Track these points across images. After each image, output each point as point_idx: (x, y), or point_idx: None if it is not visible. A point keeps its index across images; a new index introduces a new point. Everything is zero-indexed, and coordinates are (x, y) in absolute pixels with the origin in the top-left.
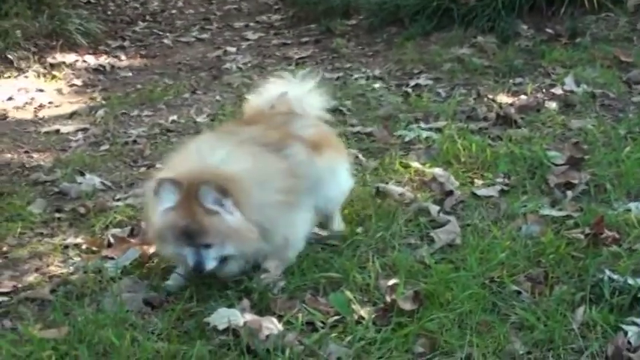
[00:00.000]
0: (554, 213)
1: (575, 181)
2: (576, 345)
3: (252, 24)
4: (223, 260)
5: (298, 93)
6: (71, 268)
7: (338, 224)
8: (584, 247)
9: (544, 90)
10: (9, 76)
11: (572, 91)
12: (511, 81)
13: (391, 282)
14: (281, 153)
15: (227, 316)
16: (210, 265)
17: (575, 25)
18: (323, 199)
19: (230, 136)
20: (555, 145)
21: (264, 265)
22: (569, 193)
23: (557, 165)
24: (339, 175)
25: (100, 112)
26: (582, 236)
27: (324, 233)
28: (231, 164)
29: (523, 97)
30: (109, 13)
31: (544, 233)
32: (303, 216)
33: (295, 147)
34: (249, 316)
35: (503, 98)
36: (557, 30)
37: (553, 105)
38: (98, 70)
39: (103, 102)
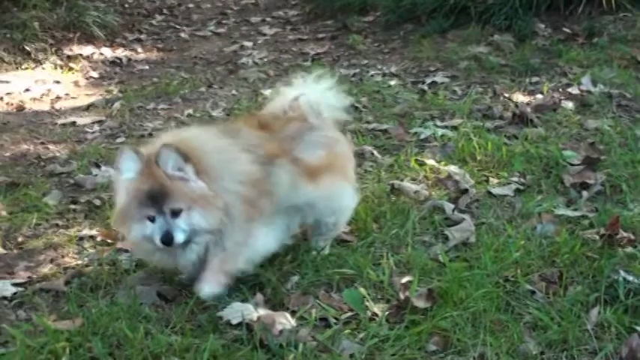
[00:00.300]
0: (570, 213)
1: (591, 182)
2: (590, 346)
3: (268, 19)
4: (192, 234)
5: (313, 97)
6: (86, 259)
7: (327, 245)
8: (599, 248)
9: (560, 89)
10: (26, 68)
11: (588, 91)
12: (527, 80)
13: (405, 279)
14: (265, 166)
15: (240, 311)
16: (179, 236)
17: (592, 24)
18: (317, 222)
19: (225, 133)
20: (571, 144)
21: (209, 261)
22: (585, 193)
23: (572, 165)
24: (337, 201)
25: (117, 105)
26: (597, 237)
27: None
28: (201, 140)
29: (539, 96)
30: (126, 5)
31: (559, 233)
32: (266, 232)
33: (281, 169)
34: (262, 311)
35: (520, 97)
36: (574, 29)
37: (569, 105)
38: (115, 62)
39: (120, 94)
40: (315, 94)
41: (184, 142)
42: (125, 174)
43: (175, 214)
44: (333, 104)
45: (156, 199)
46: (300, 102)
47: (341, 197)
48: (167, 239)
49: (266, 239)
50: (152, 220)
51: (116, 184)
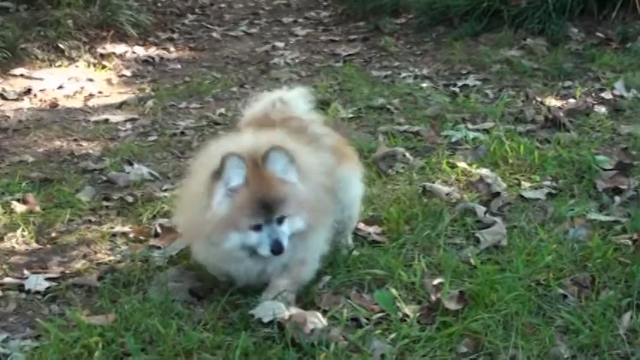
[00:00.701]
0: (602, 218)
1: (624, 187)
2: (622, 351)
3: (300, 20)
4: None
5: (294, 97)
6: (118, 256)
7: (349, 240)
8: (632, 253)
9: (593, 94)
10: (60, 65)
11: (621, 96)
12: (560, 84)
13: (436, 281)
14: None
15: (272, 309)
16: (286, 243)
17: (626, 29)
18: (339, 211)
19: (260, 132)
20: (604, 149)
21: (274, 282)
22: (617, 198)
23: (605, 170)
24: (354, 186)
25: (149, 103)
26: (630, 242)
27: (370, 230)
28: (284, 141)
29: (572, 100)
30: (159, 5)
31: (591, 238)
32: (324, 232)
33: (326, 153)
34: (294, 310)
35: (552, 101)
36: (607, 34)
37: (602, 109)
38: (147, 61)
39: (152, 93)
40: (296, 95)
41: (261, 145)
42: (232, 182)
43: (280, 220)
44: (307, 107)
45: (268, 207)
46: (288, 99)
47: (356, 184)
48: (278, 248)
49: (322, 244)
50: (256, 229)
51: (212, 191)
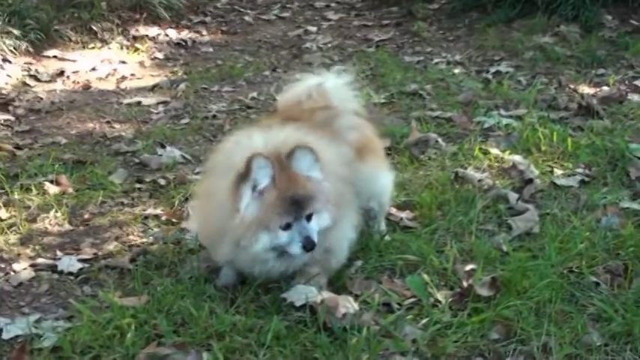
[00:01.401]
0: (635, 206)
1: None
2: None
3: (333, 4)
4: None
5: (335, 85)
6: (151, 238)
7: (382, 226)
8: None
9: (627, 82)
10: (93, 47)
11: None
12: (593, 72)
13: (468, 267)
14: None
15: (304, 293)
16: (316, 239)
17: None
18: (369, 203)
19: (280, 128)
20: (637, 137)
21: (306, 269)
22: None
23: (638, 158)
24: (382, 180)
25: (181, 86)
26: None
27: (402, 215)
28: (304, 136)
29: (605, 88)
30: None
31: (624, 226)
32: (349, 221)
33: (346, 148)
34: (326, 294)
35: (585, 89)
36: None
37: (636, 97)
38: (180, 44)
39: (184, 76)
40: (337, 83)
41: (286, 142)
42: (261, 183)
43: (309, 217)
44: (351, 99)
45: (299, 204)
46: (326, 86)
47: (383, 179)
48: (310, 245)
49: (349, 232)
50: (286, 228)
51: (239, 194)
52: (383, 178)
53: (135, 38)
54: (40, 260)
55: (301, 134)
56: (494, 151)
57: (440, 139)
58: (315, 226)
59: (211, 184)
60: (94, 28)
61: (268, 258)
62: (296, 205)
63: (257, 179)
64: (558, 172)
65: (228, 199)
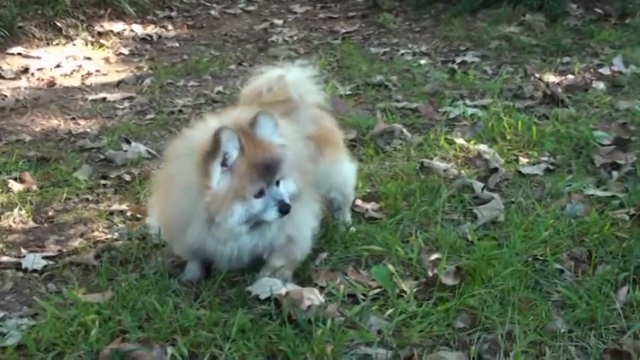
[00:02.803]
0: (599, 193)
1: (621, 162)
2: (618, 325)
3: None
4: None
5: (296, 77)
6: (116, 234)
7: (347, 217)
8: (629, 228)
9: (592, 70)
10: (57, 44)
11: (620, 72)
12: (559, 60)
13: (433, 257)
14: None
15: (269, 286)
16: (288, 201)
17: (625, 5)
18: (330, 194)
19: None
20: (602, 125)
21: (270, 261)
22: (615, 173)
23: (603, 145)
24: (342, 172)
25: (147, 81)
26: (627, 217)
27: (367, 206)
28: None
29: (570, 76)
30: None
31: (588, 213)
32: (310, 209)
33: (304, 139)
34: (291, 286)
35: (551, 77)
36: (606, 10)
37: (601, 85)
38: (145, 39)
39: (150, 71)
40: (299, 76)
41: (241, 117)
42: (232, 155)
43: (278, 183)
44: (313, 92)
45: (270, 169)
46: (287, 79)
47: (343, 171)
48: (286, 207)
49: (310, 219)
50: (259, 195)
51: (208, 171)
52: (343, 170)
53: (100, 34)
54: (4, 258)
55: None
56: (460, 140)
57: (405, 130)
58: (284, 191)
59: (171, 171)
60: (59, 24)
61: (241, 231)
62: (267, 170)
63: (227, 152)
64: (523, 160)
65: (195, 179)
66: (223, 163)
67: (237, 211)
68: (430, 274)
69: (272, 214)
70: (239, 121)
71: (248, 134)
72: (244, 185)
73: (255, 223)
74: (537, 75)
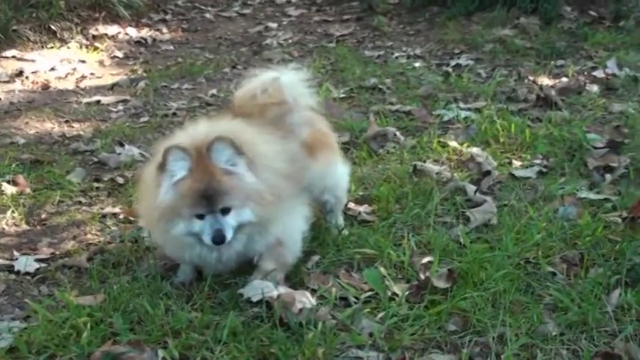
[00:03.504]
0: (592, 196)
1: (615, 165)
2: (610, 328)
3: (293, 0)
4: (239, 229)
5: (290, 80)
6: (108, 237)
7: (340, 220)
8: (621, 231)
9: (586, 73)
10: (52, 47)
11: (614, 75)
12: (553, 63)
13: (426, 260)
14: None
15: (261, 288)
16: (229, 233)
17: (619, 8)
18: (323, 196)
19: (230, 121)
20: (595, 128)
21: (261, 265)
22: (608, 176)
23: (596, 148)
24: (335, 174)
25: (141, 84)
26: (619, 220)
27: (360, 209)
28: (240, 131)
29: (564, 79)
30: None
31: (581, 216)
32: (298, 213)
33: (293, 144)
34: (282, 289)
35: (545, 80)
36: (600, 13)
37: (594, 88)
38: (140, 42)
39: (144, 74)
40: (294, 78)
41: (227, 133)
42: (176, 175)
43: (225, 211)
44: (307, 95)
45: (210, 198)
46: (282, 81)
47: (336, 173)
48: (220, 238)
49: (299, 222)
50: (201, 217)
51: (159, 182)
52: (337, 172)
53: (94, 37)
54: None
55: (238, 127)
56: (453, 143)
57: (399, 133)
58: (231, 221)
59: (147, 168)
60: (53, 27)
61: (191, 242)
62: (207, 200)
63: (173, 170)
64: (516, 163)
65: (152, 184)
66: (171, 179)
67: (178, 225)
68: (422, 276)
69: (207, 239)
70: (210, 136)
71: (202, 156)
72: (184, 206)
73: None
74: (531, 78)
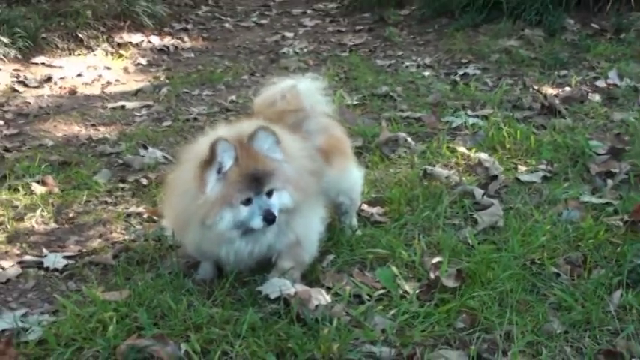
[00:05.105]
0: (595, 200)
1: (616, 171)
2: (612, 326)
3: (309, 11)
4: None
5: (308, 87)
6: (133, 235)
7: (354, 221)
8: (623, 234)
9: (588, 82)
10: (79, 54)
11: (615, 85)
12: (556, 73)
13: (435, 260)
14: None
15: (278, 286)
16: (277, 212)
17: (620, 21)
18: (338, 199)
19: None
20: (597, 135)
21: (279, 263)
22: (610, 181)
23: (598, 154)
24: (350, 179)
25: (164, 90)
26: (621, 223)
27: (373, 211)
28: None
29: (567, 88)
30: None
31: (584, 219)
32: (316, 214)
33: (313, 149)
34: (299, 287)
35: (548, 89)
36: (602, 25)
37: (596, 97)
38: (162, 50)
39: (167, 81)
40: (311, 86)
41: (248, 129)
42: (225, 165)
43: (269, 194)
44: (323, 102)
45: (259, 180)
46: (299, 88)
47: (351, 177)
48: (271, 216)
49: (317, 224)
50: (247, 203)
51: (203, 179)
52: (351, 177)
53: (119, 45)
54: (26, 257)
55: (264, 123)
56: (461, 149)
57: (409, 139)
58: (275, 202)
59: (177, 174)
60: (80, 35)
61: (233, 236)
62: (256, 181)
63: (222, 162)
64: (522, 168)
65: (192, 184)
66: (218, 171)
67: (226, 216)
68: (432, 276)
69: (257, 222)
70: (243, 132)
71: (244, 146)
72: (233, 193)
73: (247, 229)
74: (536, 87)
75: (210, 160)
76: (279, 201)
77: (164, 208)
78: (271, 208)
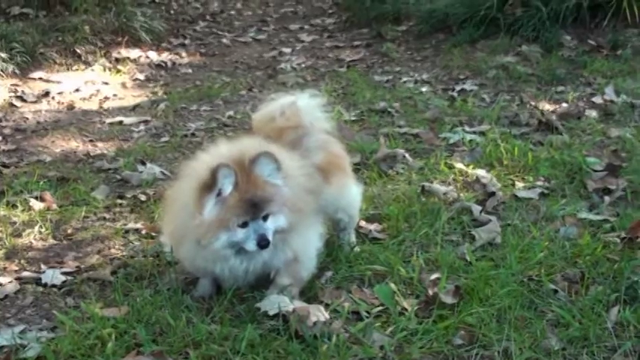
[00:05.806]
0: (592, 217)
1: (613, 187)
2: (610, 343)
3: (306, 27)
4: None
5: (307, 104)
6: (131, 251)
7: (352, 237)
8: (620, 250)
9: (585, 99)
10: (77, 69)
11: (612, 101)
12: (553, 89)
13: (434, 276)
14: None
15: (277, 303)
16: (271, 237)
17: (617, 37)
18: (336, 215)
19: (253, 139)
20: (594, 151)
21: (278, 280)
22: (607, 198)
23: (595, 171)
24: (349, 195)
25: (161, 106)
26: (618, 240)
27: (371, 227)
28: (268, 147)
29: (564, 104)
30: (172, 12)
31: (581, 235)
32: (314, 231)
33: (311, 167)
34: (298, 303)
35: (546, 105)
36: (599, 41)
37: (593, 113)
38: (160, 65)
39: (164, 96)
40: (310, 103)
41: (250, 149)
42: (226, 191)
43: (265, 217)
44: (322, 119)
45: (257, 205)
46: (299, 105)
47: (349, 194)
48: (264, 242)
49: (314, 240)
50: (243, 226)
51: (202, 201)
52: (350, 194)
53: (117, 60)
54: (25, 274)
55: (264, 143)
56: (459, 165)
57: (407, 155)
58: (270, 226)
59: (176, 189)
60: (78, 50)
61: (227, 254)
62: (254, 207)
63: (222, 188)
64: (519, 184)
65: (190, 203)
66: (218, 195)
67: (221, 238)
68: (430, 292)
69: (251, 245)
70: (244, 152)
71: (245, 171)
72: (230, 217)
73: (241, 249)
74: (533, 103)
75: (210, 185)
76: (274, 224)
77: (163, 222)
78: (266, 232)
